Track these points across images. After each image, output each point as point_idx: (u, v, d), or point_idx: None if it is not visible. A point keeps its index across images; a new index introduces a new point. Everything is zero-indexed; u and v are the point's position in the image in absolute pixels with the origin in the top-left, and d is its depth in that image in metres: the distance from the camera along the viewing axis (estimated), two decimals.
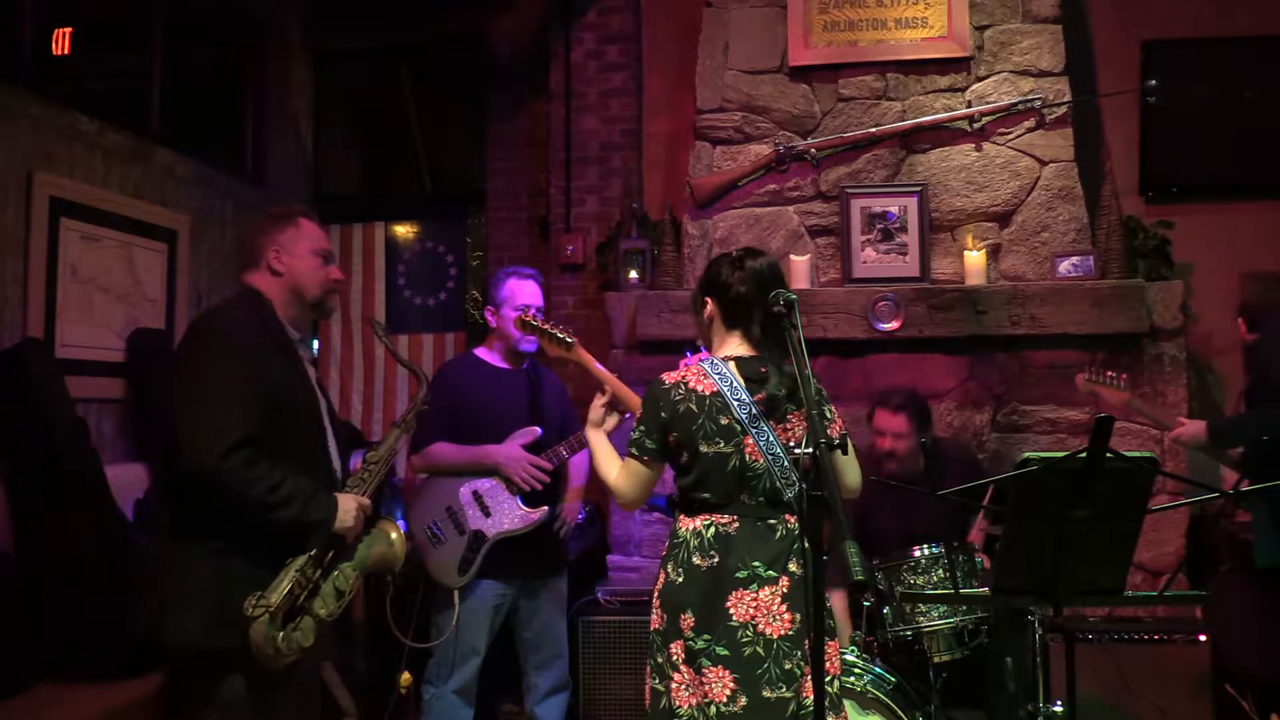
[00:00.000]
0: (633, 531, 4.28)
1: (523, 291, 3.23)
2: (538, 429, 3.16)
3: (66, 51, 4.19)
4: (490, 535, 3.08)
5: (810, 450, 1.87)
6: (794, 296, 2.15)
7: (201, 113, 5.04)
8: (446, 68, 5.70)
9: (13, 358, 3.53)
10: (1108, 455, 1.94)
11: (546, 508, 3.15)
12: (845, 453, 1.96)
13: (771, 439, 2.19)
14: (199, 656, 2.21)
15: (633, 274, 4.47)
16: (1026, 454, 2.03)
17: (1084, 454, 1.94)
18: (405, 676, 3.12)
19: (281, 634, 2.16)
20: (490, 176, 5.37)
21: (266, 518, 2.17)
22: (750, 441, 2.18)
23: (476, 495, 3.12)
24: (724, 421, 2.19)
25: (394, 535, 2.44)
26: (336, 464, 2.45)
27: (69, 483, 3.46)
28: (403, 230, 5.64)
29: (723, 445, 2.18)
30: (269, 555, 2.22)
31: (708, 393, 2.21)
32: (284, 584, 2.18)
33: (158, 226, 4.46)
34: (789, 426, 2.22)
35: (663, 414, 2.22)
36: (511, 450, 3.10)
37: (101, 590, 3.37)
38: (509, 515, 3.10)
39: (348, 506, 2.30)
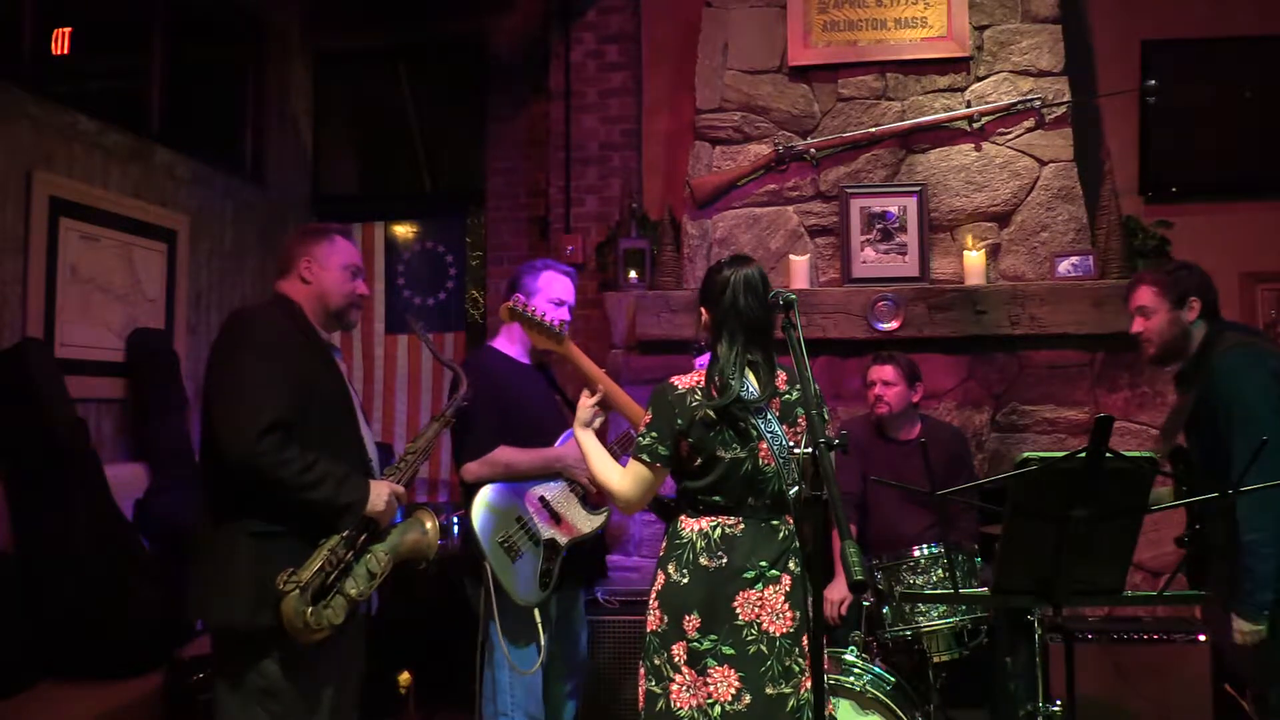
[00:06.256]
0: (633, 531, 4.29)
1: (557, 285, 3.04)
2: None
3: (66, 51, 4.19)
4: (563, 543, 2.88)
5: (810, 450, 1.87)
6: (793, 296, 2.14)
7: (201, 113, 5.04)
8: (446, 68, 5.70)
9: (13, 358, 3.53)
10: (1107, 455, 1.94)
11: (608, 510, 2.98)
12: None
13: (784, 443, 2.19)
14: (242, 636, 2.30)
15: (632, 274, 4.47)
16: (1026, 454, 2.03)
17: (1084, 454, 1.93)
18: (405, 676, 3.10)
19: (311, 609, 2.23)
20: (490, 176, 5.37)
21: (300, 498, 2.27)
22: (764, 446, 2.19)
23: (544, 501, 2.90)
24: (741, 426, 2.19)
25: (429, 524, 2.52)
26: (371, 453, 2.55)
27: (69, 483, 3.47)
28: (402, 230, 5.65)
29: (739, 450, 2.18)
30: (307, 538, 2.31)
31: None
32: (315, 561, 2.28)
33: (157, 226, 4.46)
34: (799, 430, 2.23)
35: (679, 420, 2.20)
36: (577, 451, 2.77)
37: (101, 590, 3.38)
38: (579, 520, 2.93)
39: (380, 491, 2.39)
